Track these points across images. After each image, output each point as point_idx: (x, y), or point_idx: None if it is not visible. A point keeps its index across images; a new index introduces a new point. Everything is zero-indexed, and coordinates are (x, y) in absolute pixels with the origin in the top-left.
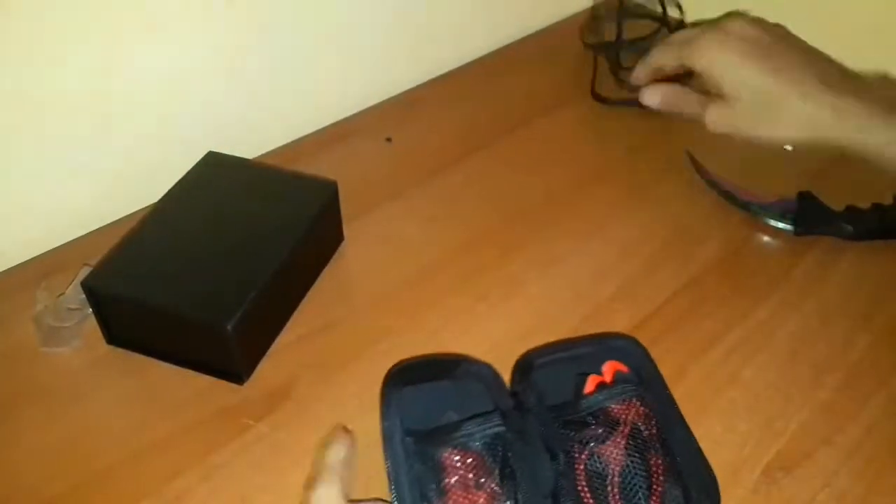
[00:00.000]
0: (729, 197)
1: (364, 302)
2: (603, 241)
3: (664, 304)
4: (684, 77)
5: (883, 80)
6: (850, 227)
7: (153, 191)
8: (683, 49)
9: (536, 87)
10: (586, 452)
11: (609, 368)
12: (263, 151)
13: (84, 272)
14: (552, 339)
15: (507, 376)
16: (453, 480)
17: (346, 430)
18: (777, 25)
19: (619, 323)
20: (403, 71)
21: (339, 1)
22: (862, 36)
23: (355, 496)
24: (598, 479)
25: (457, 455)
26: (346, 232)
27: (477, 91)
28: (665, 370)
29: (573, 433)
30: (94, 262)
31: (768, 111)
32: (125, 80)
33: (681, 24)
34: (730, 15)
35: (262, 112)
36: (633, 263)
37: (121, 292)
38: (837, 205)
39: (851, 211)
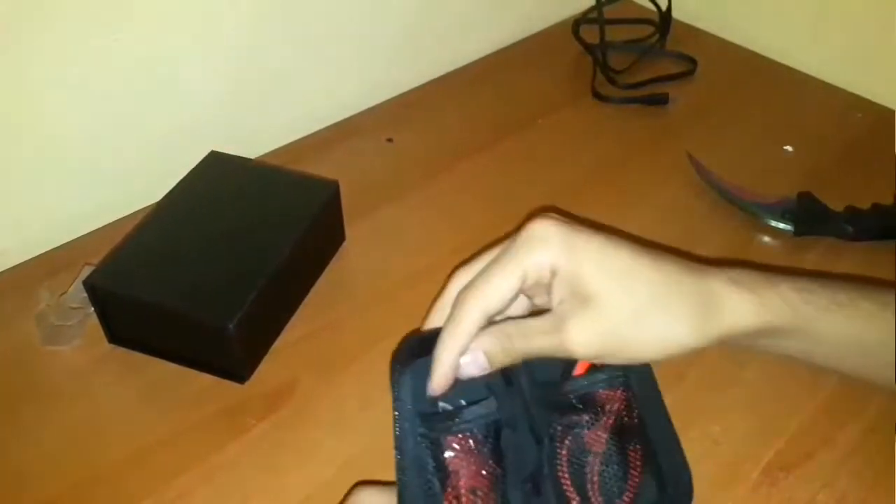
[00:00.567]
0: (729, 197)
1: (365, 301)
2: None
3: None
4: None
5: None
6: (850, 228)
7: (155, 190)
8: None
9: (537, 88)
10: (570, 437)
11: None
12: (265, 151)
13: (86, 271)
14: None
15: None
16: (454, 465)
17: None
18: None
19: None
20: (404, 71)
21: (342, 1)
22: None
23: None
24: (578, 465)
25: (456, 441)
26: (347, 232)
27: (477, 92)
28: (665, 370)
29: (559, 416)
30: (96, 261)
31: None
32: (127, 79)
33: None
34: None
35: (265, 112)
36: None
37: (122, 291)
38: (837, 205)
39: (851, 211)
